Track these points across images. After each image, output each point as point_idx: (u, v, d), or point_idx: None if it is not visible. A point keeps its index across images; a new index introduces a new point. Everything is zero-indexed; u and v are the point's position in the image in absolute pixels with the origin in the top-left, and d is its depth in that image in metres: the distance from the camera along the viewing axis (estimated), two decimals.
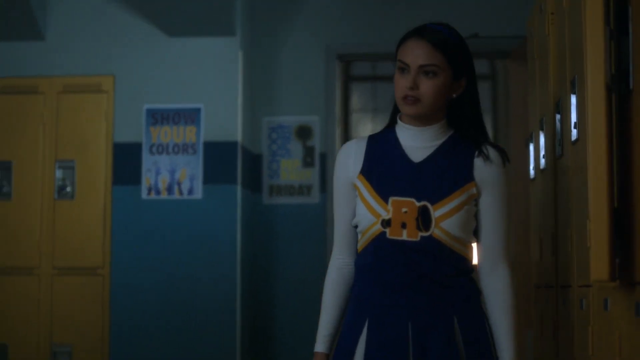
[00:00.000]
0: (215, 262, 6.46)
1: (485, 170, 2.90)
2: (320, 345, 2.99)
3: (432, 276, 2.85)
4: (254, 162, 6.90)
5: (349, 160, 3.01)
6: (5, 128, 6.70)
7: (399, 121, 3.01)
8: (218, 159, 6.55)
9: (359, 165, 2.97)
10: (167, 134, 6.58)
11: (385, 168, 2.94)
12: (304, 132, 6.91)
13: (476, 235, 2.93)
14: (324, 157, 6.80)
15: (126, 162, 6.62)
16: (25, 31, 6.70)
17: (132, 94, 6.65)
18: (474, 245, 2.95)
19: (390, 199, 2.90)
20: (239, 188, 6.52)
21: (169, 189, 6.53)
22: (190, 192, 6.50)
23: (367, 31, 6.98)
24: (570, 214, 3.64)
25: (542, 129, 4.35)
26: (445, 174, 2.90)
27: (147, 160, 6.57)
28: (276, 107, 6.97)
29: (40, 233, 6.63)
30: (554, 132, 4.00)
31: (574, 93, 3.47)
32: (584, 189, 3.17)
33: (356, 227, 2.97)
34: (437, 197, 2.89)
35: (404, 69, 2.93)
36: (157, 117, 6.58)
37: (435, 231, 2.87)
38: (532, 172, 4.78)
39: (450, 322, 2.85)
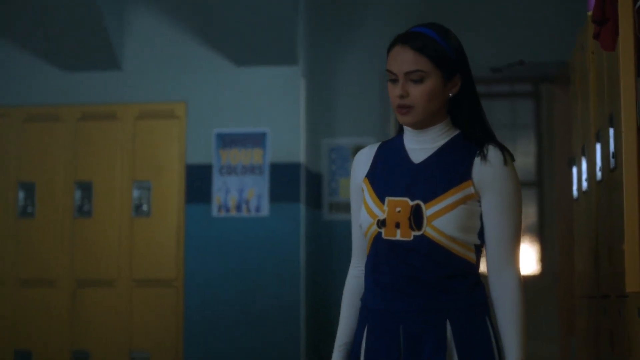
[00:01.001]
0: (281, 274, 6.69)
1: (483, 170, 2.81)
2: (336, 354, 2.95)
3: (424, 277, 2.77)
4: (315, 181, 7.16)
5: (360, 166, 2.96)
6: (86, 151, 6.99)
7: (404, 126, 2.96)
8: (283, 179, 6.80)
9: (366, 170, 2.93)
10: (235, 156, 6.84)
11: (387, 171, 2.89)
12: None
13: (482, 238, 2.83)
14: None
15: (198, 182, 6.87)
16: (104, 62, 7.02)
17: (203, 119, 6.93)
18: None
19: (387, 199, 2.84)
20: (302, 206, 6.78)
21: (238, 207, 6.81)
22: (257, 210, 6.79)
23: None
24: (608, 232, 3.90)
25: (584, 155, 4.70)
26: (442, 173, 2.82)
27: (218, 181, 6.85)
28: (335, 129, 7.28)
29: (119, 248, 6.90)
30: (594, 159, 4.32)
31: (612, 127, 3.68)
32: (620, 211, 3.33)
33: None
34: (430, 196, 2.81)
35: (393, 79, 2.87)
36: (226, 141, 6.87)
37: (427, 230, 2.78)
38: (575, 192, 5.12)
39: (442, 326, 2.76)
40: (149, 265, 6.90)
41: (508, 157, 2.82)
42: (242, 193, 6.83)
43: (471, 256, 2.81)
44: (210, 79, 7.00)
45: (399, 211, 2.81)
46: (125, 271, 6.91)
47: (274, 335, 6.67)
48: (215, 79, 7.00)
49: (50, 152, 7.04)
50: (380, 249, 2.81)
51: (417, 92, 2.82)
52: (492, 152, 2.81)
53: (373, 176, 2.90)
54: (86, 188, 6.98)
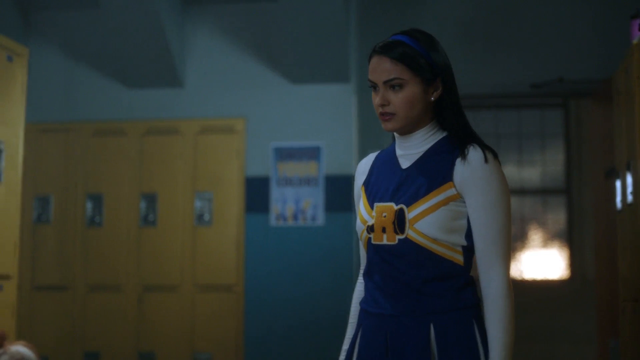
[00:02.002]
0: (336, 280, 6.97)
1: (464, 170, 2.80)
2: (342, 358, 2.96)
3: (409, 281, 2.77)
4: None
5: (359, 175, 2.99)
6: (151, 164, 7.33)
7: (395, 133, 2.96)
8: (337, 190, 7.12)
9: (363, 179, 2.96)
10: (292, 168, 7.18)
11: (379, 177, 2.89)
12: None
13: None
14: None
15: (257, 193, 7.19)
16: (167, 79, 7.37)
17: (261, 134, 7.26)
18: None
19: (375, 205, 2.85)
20: (354, 215, 6.97)
21: (295, 217, 7.14)
22: (313, 219, 7.12)
23: (465, 75, 7.66)
24: None
25: (629, 170, 5.06)
26: (424, 177, 2.82)
27: (275, 192, 7.19)
28: (383, 143, 7.58)
29: (182, 255, 7.22)
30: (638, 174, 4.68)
31: None
32: None
33: None
34: (412, 199, 2.81)
35: (374, 87, 2.89)
36: (283, 154, 7.21)
37: (410, 233, 2.78)
38: (619, 204, 5.45)
39: (426, 330, 2.75)
40: (211, 272, 7.19)
41: (490, 155, 2.80)
42: (298, 203, 7.15)
43: (458, 258, 2.79)
44: (268, 96, 7.34)
45: (385, 216, 2.82)
46: (188, 277, 7.22)
47: (329, 338, 6.86)
48: (272, 95, 7.34)
49: (117, 165, 7.38)
50: (371, 253, 2.84)
51: (397, 100, 2.85)
52: (472, 152, 2.79)
53: (368, 184, 2.92)
54: (151, 199, 7.31)
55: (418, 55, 2.87)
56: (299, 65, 7.21)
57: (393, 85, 2.85)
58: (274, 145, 7.29)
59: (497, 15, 7.60)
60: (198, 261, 7.24)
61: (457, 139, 2.87)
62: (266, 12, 7.37)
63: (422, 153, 2.89)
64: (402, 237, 2.79)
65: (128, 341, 7.23)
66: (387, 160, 2.92)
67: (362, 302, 2.89)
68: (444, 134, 2.91)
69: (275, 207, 7.21)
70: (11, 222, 5.14)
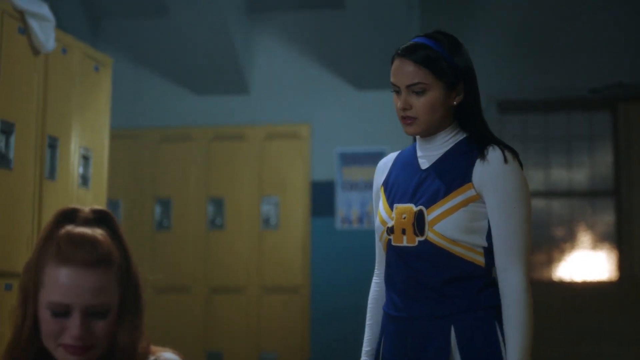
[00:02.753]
0: None
1: (483, 171, 2.77)
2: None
3: (429, 283, 2.75)
4: None
5: (378, 175, 2.98)
6: (218, 169, 7.47)
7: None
8: None
9: (382, 178, 2.94)
10: (356, 173, 7.31)
11: (399, 178, 2.87)
12: None
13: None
14: None
15: (322, 197, 7.34)
16: (234, 86, 7.54)
17: (326, 140, 7.40)
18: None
19: (395, 207, 2.82)
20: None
21: (360, 220, 7.26)
22: None
23: (518, 79, 7.69)
24: None
25: None
26: (443, 178, 2.79)
27: (340, 196, 7.32)
28: None
29: (249, 258, 7.35)
30: None
31: None
32: None
33: None
34: (432, 201, 2.78)
35: (396, 91, 2.85)
36: (347, 159, 7.35)
37: (429, 235, 2.75)
38: None
39: (447, 332, 2.73)
40: (277, 274, 7.32)
41: (509, 155, 2.78)
42: (363, 207, 7.28)
43: (478, 259, 2.77)
44: (333, 102, 7.49)
45: (405, 218, 2.79)
46: (255, 279, 7.36)
47: None
48: (337, 101, 7.49)
49: (184, 170, 7.54)
50: (391, 255, 2.82)
51: (419, 104, 2.79)
52: (492, 152, 2.78)
53: (387, 184, 2.90)
54: (218, 203, 7.45)
55: (441, 58, 2.84)
56: (363, 71, 7.34)
57: (416, 89, 2.81)
58: (339, 150, 7.43)
59: (552, 19, 7.71)
60: (264, 263, 7.37)
61: (476, 141, 2.85)
62: (331, 19, 7.52)
63: (442, 154, 2.87)
64: (421, 239, 2.78)
65: (196, 341, 7.38)
66: (407, 161, 2.91)
67: (384, 306, 2.88)
68: (464, 136, 2.89)
69: (340, 210, 7.34)
70: None
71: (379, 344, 2.90)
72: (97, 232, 2.23)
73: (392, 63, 2.90)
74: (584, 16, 7.68)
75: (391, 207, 2.84)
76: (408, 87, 2.82)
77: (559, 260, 10.60)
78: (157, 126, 7.70)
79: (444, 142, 2.88)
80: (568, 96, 7.83)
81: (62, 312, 2.20)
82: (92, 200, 5.24)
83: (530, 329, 2.69)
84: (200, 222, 7.47)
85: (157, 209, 7.56)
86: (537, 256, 10.60)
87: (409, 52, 2.84)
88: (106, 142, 5.43)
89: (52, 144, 4.77)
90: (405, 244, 2.79)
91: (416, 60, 2.82)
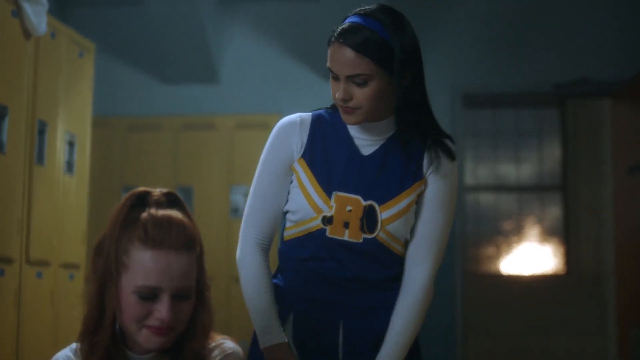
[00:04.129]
0: None
1: (433, 167, 2.62)
2: (278, 334, 2.62)
3: (371, 277, 2.62)
4: None
5: (292, 139, 2.69)
6: (187, 158, 7.45)
7: None
8: None
9: (300, 147, 2.65)
10: None
11: (330, 156, 2.62)
12: None
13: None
14: None
15: None
16: (204, 75, 7.55)
17: None
18: None
19: (334, 194, 2.59)
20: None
21: None
22: None
23: (486, 73, 7.82)
24: None
25: None
26: (394, 171, 2.62)
27: None
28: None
29: (217, 247, 7.30)
30: None
31: None
32: None
33: (285, 212, 2.67)
34: (385, 197, 2.60)
35: (334, 77, 2.59)
36: None
37: (380, 234, 2.60)
38: None
39: (384, 323, 2.63)
40: None
41: (454, 151, 2.67)
42: None
43: (404, 251, 2.67)
44: (303, 93, 7.54)
45: (350, 210, 2.59)
46: (224, 268, 7.32)
47: None
48: (306, 92, 7.53)
49: (153, 159, 7.51)
50: (320, 245, 2.60)
51: (361, 95, 2.55)
52: (441, 147, 2.64)
53: (312, 160, 2.63)
54: (187, 192, 7.42)
55: (384, 44, 2.56)
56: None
57: (357, 80, 2.54)
58: None
59: (518, 14, 7.82)
60: (233, 253, 7.27)
61: (422, 130, 2.66)
62: (303, 10, 7.56)
63: (385, 140, 2.67)
64: (369, 236, 2.61)
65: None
66: (335, 136, 2.65)
67: (291, 284, 2.67)
68: (407, 122, 2.65)
69: None
70: (81, 213, 5.30)
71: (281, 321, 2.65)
72: (180, 215, 2.26)
73: (328, 45, 2.61)
74: (551, 12, 7.81)
75: (327, 192, 2.60)
76: (348, 77, 2.55)
77: (507, 253, 10.76)
78: (126, 115, 7.67)
79: (385, 129, 2.67)
80: (536, 92, 7.95)
81: (150, 295, 2.21)
82: (75, 188, 5.22)
83: (419, 326, 2.64)
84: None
85: None
86: (486, 249, 10.75)
87: (348, 37, 2.54)
88: (89, 128, 5.42)
89: (42, 129, 4.75)
90: (346, 238, 2.60)
91: (356, 47, 2.52)
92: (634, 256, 6.96)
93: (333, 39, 2.57)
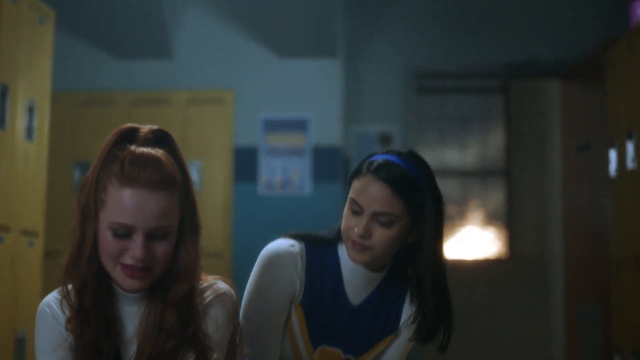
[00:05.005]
0: None
1: (410, 320, 2.59)
2: None
3: None
4: (347, 164, 7.71)
5: (293, 275, 2.54)
6: None
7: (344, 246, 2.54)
8: (323, 161, 7.36)
9: (298, 289, 2.54)
10: (279, 139, 7.40)
11: (323, 307, 2.54)
12: (385, 138, 7.87)
13: None
14: None
15: (245, 163, 7.37)
16: (157, 50, 7.51)
17: (250, 106, 7.43)
18: None
19: (319, 348, 2.55)
20: (340, 185, 7.34)
21: (282, 186, 7.36)
22: (300, 188, 7.35)
23: (436, 53, 7.92)
24: None
25: (629, 138, 5.43)
26: (375, 323, 2.57)
27: (263, 162, 7.39)
28: (365, 116, 7.89)
29: None
30: None
31: None
32: None
33: None
34: (363, 350, 2.58)
35: (355, 211, 2.47)
36: (271, 126, 7.41)
37: None
38: (613, 172, 5.72)
39: None
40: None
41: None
42: (285, 173, 7.37)
43: None
44: (256, 69, 7.53)
45: None
46: None
47: None
48: (260, 68, 7.53)
49: (106, 134, 7.41)
50: None
51: (381, 236, 2.46)
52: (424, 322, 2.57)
53: (308, 308, 2.54)
54: None
55: (418, 188, 2.48)
56: (286, 39, 7.41)
57: (383, 220, 2.45)
58: (262, 116, 7.49)
59: None
60: None
61: (403, 277, 2.60)
62: None
63: (374, 288, 2.61)
64: None
65: None
66: (328, 279, 2.53)
67: None
68: (392, 268, 2.61)
69: (263, 176, 7.41)
70: (40, 181, 5.26)
71: None
72: (160, 153, 2.24)
73: (356, 175, 2.51)
74: None
75: (314, 345, 2.55)
76: (375, 214, 2.45)
77: (451, 238, 10.87)
78: (79, 89, 7.61)
79: (378, 276, 2.60)
80: (486, 72, 8.03)
81: (124, 232, 2.20)
82: (35, 155, 5.18)
83: None
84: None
85: (76, 173, 7.46)
86: None
87: (384, 172, 2.46)
88: (48, 96, 5.36)
89: (4, 92, 4.70)
90: None
91: (392, 185, 2.44)
92: (582, 234, 7.08)
93: (365, 171, 2.48)
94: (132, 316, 2.32)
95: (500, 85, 11.30)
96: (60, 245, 7.20)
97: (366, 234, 2.44)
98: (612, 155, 5.80)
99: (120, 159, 2.21)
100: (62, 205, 7.31)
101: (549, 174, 10.24)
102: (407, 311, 2.60)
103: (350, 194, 2.49)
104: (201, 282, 2.36)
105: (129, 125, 2.34)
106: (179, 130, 7.44)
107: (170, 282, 2.27)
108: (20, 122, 4.90)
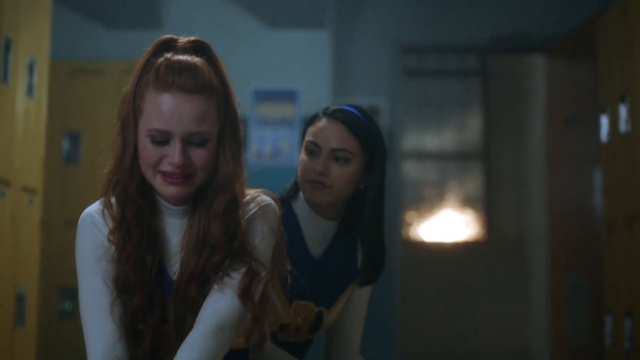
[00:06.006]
0: None
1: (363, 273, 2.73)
2: None
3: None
4: None
5: None
6: None
7: (301, 199, 2.68)
8: None
9: None
10: (270, 109, 7.44)
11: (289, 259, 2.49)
12: (373, 112, 7.94)
13: None
14: (391, 133, 7.71)
15: None
16: (147, 20, 7.51)
17: (241, 77, 7.38)
18: None
19: (294, 303, 2.64)
20: None
21: (273, 155, 7.43)
22: (289, 159, 7.42)
23: (423, 26, 7.92)
24: None
25: (622, 102, 5.50)
26: (337, 274, 2.68)
27: (253, 132, 7.43)
28: (351, 89, 7.88)
29: None
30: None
31: None
32: None
33: None
34: (331, 301, 2.69)
35: (313, 151, 2.62)
36: (261, 96, 7.45)
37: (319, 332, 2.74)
38: (605, 138, 5.79)
39: None
40: None
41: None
42: (275, 143, 7.43)
43: None
44: (247, 40, 7.54)
45: (305, 318, 2.67)
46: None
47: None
48: (251, 40, 7.54)
49: (95, 104, 7.43)
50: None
51: (338, 174, 2.59)
52: (371, 269, 2.73)
53: None
54: None
55: (371, 135, 2.65)
56: (276, 10, 7.43)
57: (339, 157, 2.61)
58: (253, 87, 7.52)
59: None
60: None
61: (357, 230, 2.71)
62: None
63: (331, 239, 2.72)
64: (310, 336, 2.74)
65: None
66: (291, 235, 2.50)
67: None
68: (344, 219, 2.73)
69: (253, 146, 7.46)
70: (39, 139, 5.26)
71: None
72: (197, 60, 2.26)
73: (310, 123, 2.70)
74: None
75: (289, 300, 2.64)
76: (332, 150, 2.60)
77: (430, 220, 10.95)
78: (67, 58, 7.59)
79: (333, 225, 2.72)
80: (473, 46, 8.07)
81: (162, 139, 2.21)
82: (35, 112, 5.18)
83: None
84: (111, 157, 7.33)
85: (66, 143, 7.44)
86: (409, 216, 10.92)
87: (342, 115, 2.64)
88: (47, 54, 5.36)
89: (7, 45, 4.70)
90: (292, 340, 2.72)
91: (348, 124, 2.62)
92: (566, 209, 7.17)
93: (322, 115, 2.66)
94: (175, 230, 2.32)
95: (479, 68, 11.42)
96: (50, 215, 7.22)
97: (325, 171, 2.57)
98: (604, 121, 5.87)
99: (157, 66, 2.23)
100: (52, 175, 7.33)
101: (529, 155, 10.34)
102: (360, 258, 2.72)
103: (307, 138, 2.64)
104: (244, 194, 2.36)
105: (168, 36, 2.36)
106: None
107: (212, 194, 2.27)
108: (21, 78, 4.90)
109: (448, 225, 11.22)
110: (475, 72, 11.58)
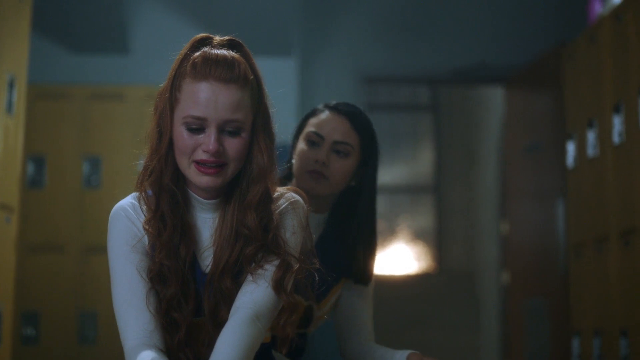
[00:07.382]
0: None
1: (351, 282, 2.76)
2: None
3: None
4: None
5: None
6: (95, 128, 7.34)
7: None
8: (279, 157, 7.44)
9: None
10: None
11: None
12: None
13: None
14: None
15: None
16: (114, 45, 7.52)
17: None
18: None
19: None
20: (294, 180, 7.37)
21: None
22: None
23: (387, 57, 7.99)
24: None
25: (617, 112, 5.33)
26: (328, 269, 2.56)
27: None
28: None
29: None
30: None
31: None
32: None
33: None
34: (321, 297, 2.70)
35: (314, 142, 2.69)
36: None
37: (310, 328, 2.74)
38: (571, 164, 5.91)
39: None
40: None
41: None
42: None
43: None
44: None
45: None
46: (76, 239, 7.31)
47: None
48: None
49: (60, 129, 7.38)
50: None
51: (338, 167, 2.66)
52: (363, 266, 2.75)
53: None
54: (95, 162, 7.37)
55: (369, 132, 2.74)
56: (243, 37, 7.33)
57: (340, 150, 2.68)
58: None
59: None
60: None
61: (343, 226, 2.73)
62: None
63: (319, 235, 2.75)
64: (302, 331, 2.72)
65: (70, 300, 7.20)
66: None
67: None
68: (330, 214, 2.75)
69: None
70: (17, 157, 5.25)
71: None
72: (233, 53, 2.34)
73: (312, 115, 2.78)
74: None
75: None
76: (335, 143, 2.67)
77: (381, 253, 11.03)
78: (33, 82, 7.53)
79: (321, 219, 2.76)
80: (434, 78, 8.17)
81: (198, 126, 2.28)
82: (14, 130, 5.17)
83: None
84: (75, 181, 7.36)
85: (30, 167, 7.39)
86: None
87: (346, 109, 2.73)
88: (25, 72, 5.35)
89: None
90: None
91: (352, 120, 2.70)
92: (525, 238, 7.26)
93: (328, 109, 2.75)
94: (207, 224, 2.38)
95: (430, 101, 11.55)
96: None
97: (327, 161, 2.64)
98: (570, 147, 6.00)
99: (194, 58, 2.29)
100: (15, 198, 7.24)
101: (480, 187, 10.46)
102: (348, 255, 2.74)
103: (309, 129, 2.72)
104: (274, 189, 2.42)
105: (205, 34, 2.43)
106: (135, 125, 7.41)
107: (246, 186, 2.33)
108: (2, 95, 4.89)
109: (399, 258, 11.30)
110: (426, 105, 11.71)
